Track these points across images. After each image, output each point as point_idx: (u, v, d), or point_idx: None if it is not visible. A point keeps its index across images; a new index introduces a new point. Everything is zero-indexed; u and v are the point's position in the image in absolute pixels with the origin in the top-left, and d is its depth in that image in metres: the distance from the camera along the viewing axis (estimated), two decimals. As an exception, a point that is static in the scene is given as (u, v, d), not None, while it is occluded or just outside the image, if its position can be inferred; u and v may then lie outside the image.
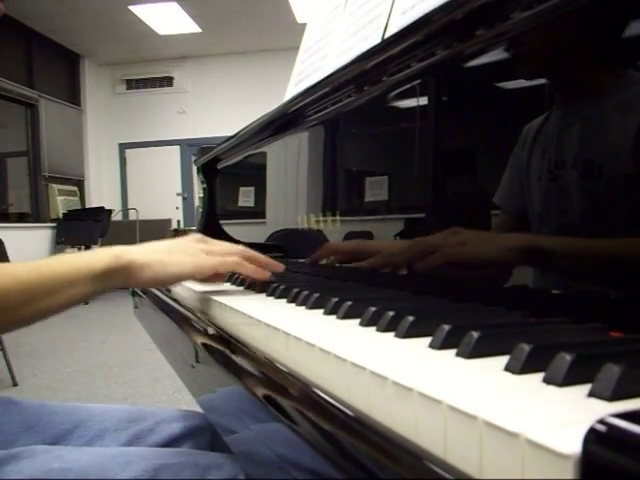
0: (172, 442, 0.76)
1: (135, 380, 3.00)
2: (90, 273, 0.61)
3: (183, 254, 0.68)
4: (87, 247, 5.74)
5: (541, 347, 0.31)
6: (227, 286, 0.86)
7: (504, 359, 0.32)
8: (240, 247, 0.75)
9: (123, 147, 8.11)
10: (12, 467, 0.59)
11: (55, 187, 6.94)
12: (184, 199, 7.94)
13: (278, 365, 0.46)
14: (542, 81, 0.50)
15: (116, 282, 0.64)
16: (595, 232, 0.44)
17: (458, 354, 0.35)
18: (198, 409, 0.82)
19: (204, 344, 0.63)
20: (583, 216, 0.45)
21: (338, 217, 0.84)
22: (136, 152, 8.06)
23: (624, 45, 0.41)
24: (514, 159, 0.52)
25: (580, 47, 0.46)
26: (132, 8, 6.25)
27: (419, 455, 0.27)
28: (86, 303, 6.15)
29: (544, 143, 0.49)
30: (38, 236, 6.37)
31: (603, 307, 0.42)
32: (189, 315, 0.76)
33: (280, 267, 0.76)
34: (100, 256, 0.63)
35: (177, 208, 7.89)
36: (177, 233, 6.36)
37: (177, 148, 8.00)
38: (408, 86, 0.68)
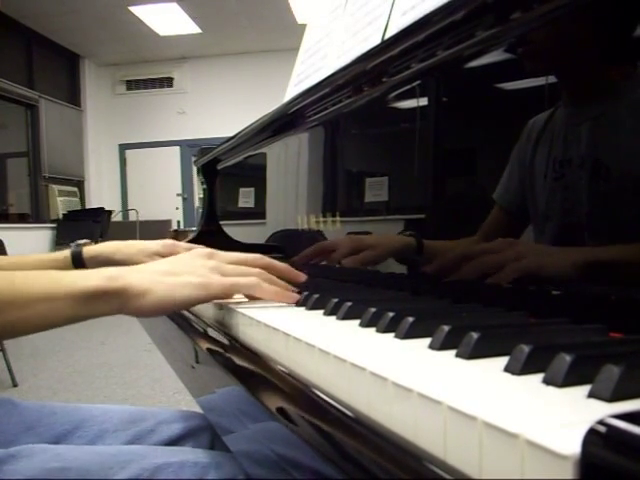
0: (172, 443, 0.76)
1: (135, 381, 3.00)
2: (73, 292, 0.52)
3: (189, 274, 0.58)
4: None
5: (541, 348, 0.31)
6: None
7: (504, 360, 0.32)
8: (257, 260, 0.65)
9: (123, 148, 8.10)
10: (11, 466, 0.59)
11: (55, 188, 6.93)
12: (184, 200, 7.93)
13: (278, 366, 0.46)
14: (542, 82, 0.50)
15: (107, 308, 0.54)
16: (601, 234, 0.44)
17: (458, 355, 0.35)
18: (198, 409, 0.82)
19: (203, 344, 0.63)
20: (589, 217, 0.44)
21: (338, 218, 0.84)
22: (136, 153, 8.05)
23: (635, 44, 0.41)
24: (516, 154, 0.52)
25: (590, 45, 0.45)
26: (132, 9, 6.24)
27: (419, 456, 0.27)
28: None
29: (550, 141, 0.48)
30: (38, 237, 6.36)
31: (603, 308, 0.42)
32: (189, 315, 0.76)
33: (302, 277, 0.68)
34: (89, 276, 0.54)
35: (177, 209, 7.88)
36: (177, 234, 6.35)
37: (177, 149, 7.99)
38: (408, 87, 0.68)
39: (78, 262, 0.85)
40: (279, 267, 0.66)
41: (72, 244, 0.86)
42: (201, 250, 0.64)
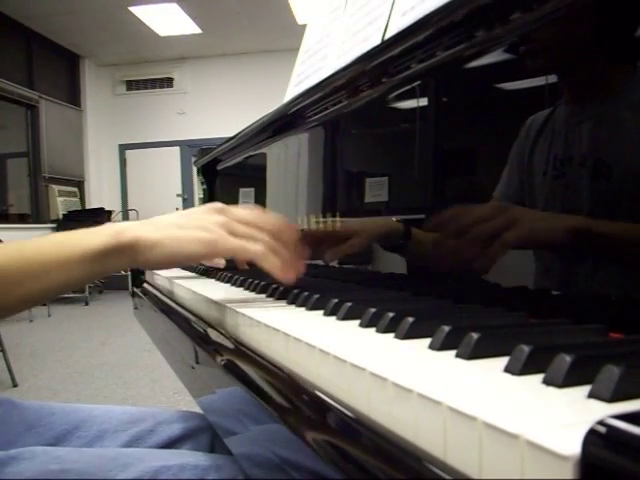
0: (172, 443, 0.76)
1: (135, 381, 3.00)
2: (85, 253, 0.52)
3: (198, 229, 0.57)
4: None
5: (541, 348, 0.31)
6: (225, 285, 0.86)
7: (504, 360, 0.32)
8: (269, 224, 0.61)
9: (123, 148, 8.11)
10: (11, 468, 0.59)
11: (55, 188, 6.94)
12: (184, 200, 7.93)
13: (278, 367, 0.46)
14: (542, 81, 0.50)
15: (119, 263, 0.54)
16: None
17: (458, 355, 0.35)
18: (198, 410, 0.81)
19: (203, 345, 0.63)
20: (589, 215, 0.44)
21: (338, 218, 0.84)
22: (136, 153, 8.06)
23: (636, 43, 0.41)
24: (515, 152, 0.52)
25: (592, 44, 0.45)
26: (132, 9, 6.24)
27: (419, 456, 0.27)
28: (86, 304, 6.16)
29: (550, 139, 0.48)
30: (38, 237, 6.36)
31: (603, 308, 0.42)
32: (188, 316, 0.76)
33: (296, 273, 0.63)
34: (97, 234, 0.54)
35: (177, 209, 7.88)
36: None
37: (177, 149, 7.99)
38: (408, 87, 0.68)
39: None
40: (288, 238, 0.62)
41: None
42: (212, 205, 0.62)
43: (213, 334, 0.63)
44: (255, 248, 0.58)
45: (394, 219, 0.70)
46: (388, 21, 0.82)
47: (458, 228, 0.56)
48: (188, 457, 0.65)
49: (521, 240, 0.50)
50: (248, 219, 0.61)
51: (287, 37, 6.71)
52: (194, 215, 0.60)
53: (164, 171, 7.99)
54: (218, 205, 0.62)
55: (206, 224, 0.58)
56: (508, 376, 0.31)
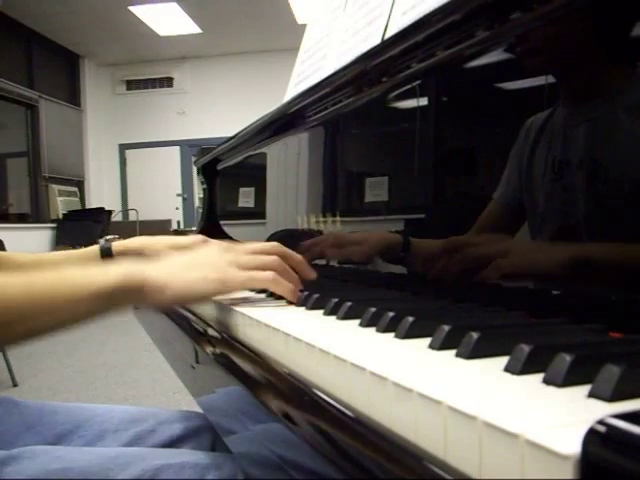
0: (173, 443, 0.76)
1: (135, 381, 3.00)
2: (92, 292, 0.52)
3: (207, 268, 0.58)
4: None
5: (541, 348, 0.31)
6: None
7: (504, 360, 0.32)
8: (275, 248, 0.65)
9: (123, 148, 8.10)
10: (12, 468, 0.59)
11: (55, 188, 6.93)
12: (184, 200, 7.93)
13: (278, 366, 0.46)
14: (542, 81, 0.50)
15: (127, 303, 0.56)
16: (599, 235, 0.44)
17: (458, 355, 0.35)
18: (198, 410, 0.82)
19: (203, 344, 0.63)
20: (587, 218, 0.45)
21: (338, 218, 0.84)
22: (136, 153, 8.05)
23: (634, 45, 0.41)
24: (515, 154, 0.52)
25: (589, 46, 0.46)
26: (132, 9, 6.24)
27: (419, 455, 0.27)
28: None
29: (548, 141, 0.48)
30: (38, 237, 6.36)
31: (603, 308, 0.42)
32: (189, 315, 0.76)
33: (312, 274, 0.69)
34: (108, 273, 0.54)
35: (177, 209, 7.88)
36: (177, 234, 6.35)
37: (177, 149, 7.99)
38: (408, 87, 0.68)
39: (107, 258, 0.83)
40: (295, 258, 0.67)
41: (100, 240, 0.85)
42: (218, 243, 0.64)
43: (213, 334, 0.63)
44: (264, 276, 0.60)
45: (393, 230, 0.70)
46: (388, 21, 0.82)
47: (453, 248, 0.58)
48: (188, 456, 0.65)
49: (515, 268, 0.50)
50: (256, 248, 0.64)
51: (287, 37, 6.70)
52: (202, 255, 0.61)
53: (164, 171, 7.99)
54: (223, 244, 0.64)
55: (214, 262, 0.59)
56: (508, 375, 0.31)
